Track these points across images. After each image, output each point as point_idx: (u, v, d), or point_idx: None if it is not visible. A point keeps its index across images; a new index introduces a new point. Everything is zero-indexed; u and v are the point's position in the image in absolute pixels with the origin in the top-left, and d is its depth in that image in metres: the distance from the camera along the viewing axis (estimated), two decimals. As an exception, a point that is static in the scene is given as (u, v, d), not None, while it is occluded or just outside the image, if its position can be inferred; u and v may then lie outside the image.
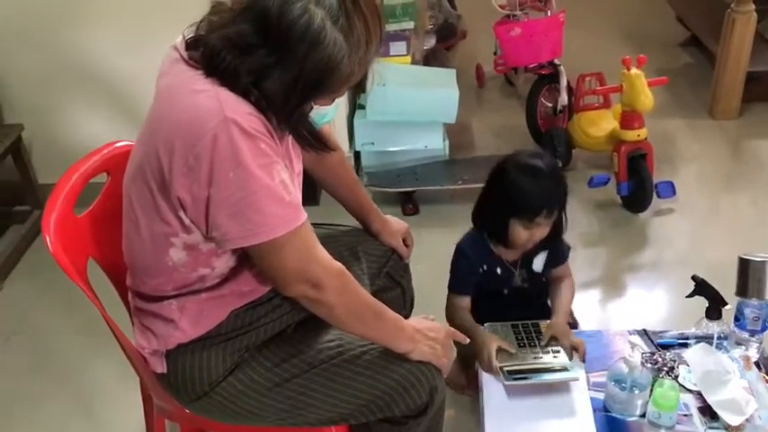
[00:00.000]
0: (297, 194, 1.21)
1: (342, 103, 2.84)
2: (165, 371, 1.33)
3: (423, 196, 2.83)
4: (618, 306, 2.31)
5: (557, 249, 1.75)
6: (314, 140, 1.26)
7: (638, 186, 2.59)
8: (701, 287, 1.56)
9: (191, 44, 1.19)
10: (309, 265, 1.22)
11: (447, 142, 2.93)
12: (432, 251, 2.44)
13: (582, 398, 1.52)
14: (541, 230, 1.62)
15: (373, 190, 2.82)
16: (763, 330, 1.56)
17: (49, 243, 1.27)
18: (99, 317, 1.30)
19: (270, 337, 1.36)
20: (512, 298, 1.77)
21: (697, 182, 2.85)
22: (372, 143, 2.87)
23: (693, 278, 1.58)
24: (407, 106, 2.78)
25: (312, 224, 1.60)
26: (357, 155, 2.93)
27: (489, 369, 1.55)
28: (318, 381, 1.33)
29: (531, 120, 3.05)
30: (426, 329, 1.39)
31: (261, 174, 1.13)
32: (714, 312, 1.55)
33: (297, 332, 1.39)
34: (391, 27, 2.90)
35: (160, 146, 1.15)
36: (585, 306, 2.22)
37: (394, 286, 1.70)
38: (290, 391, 1.32)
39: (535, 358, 1.57)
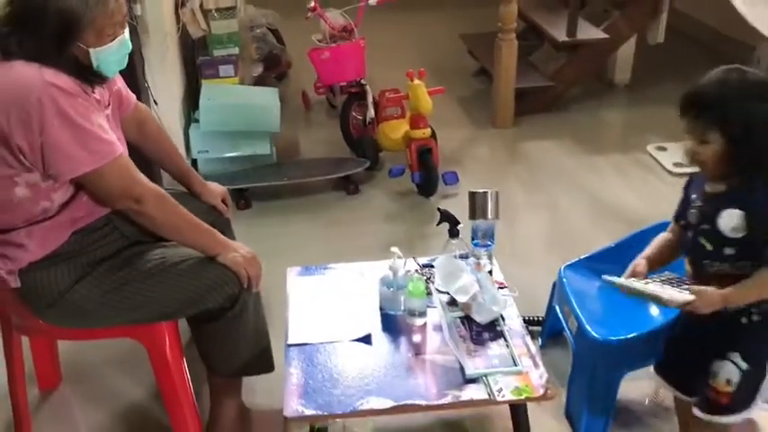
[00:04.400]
0: (114, 136, 1.63)
1: (176, 115, 3.26)
2: (20, 285, 1.67)
3: (255, 194, 3.27)
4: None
5: (755, 224, 1.45)
6: (92, 76, 1.65)
7: (426, 175, 3.18)
8: (444, 215, 2.11)
9: None
10: (131, 185, 1.64)
11: (274, 149, 3.41)
12: (263, 239, 2.89)
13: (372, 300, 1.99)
14: (699, 145, 1.48)
15: (209, 190, 3.24)
16: (491, 245, 2.12)
17: None
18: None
19: (106, 256, 1.75)
20: (686, 244, 1.61)
21: (479, 174, 3.50)
22: (207, 151, 3.30)
23: (438, 209, 2.13)
24: (235, 118, 3.25)
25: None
26: (194, 162, 3.34)
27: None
28: (147, 284, 1.72)
29: (345, 130, 3.61)
30: (236, 245, 1.83)
31: (81, 120, 1.56)
32: (453, 231, 2.10)
33: (129, 251, 1.78)
34: (219, 53, 3.38)
35: None
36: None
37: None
38: (125, 292, 1.71)
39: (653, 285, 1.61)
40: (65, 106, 1.54)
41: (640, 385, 2.13)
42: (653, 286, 1.60)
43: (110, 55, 1.67)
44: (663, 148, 3.63)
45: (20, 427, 2.00)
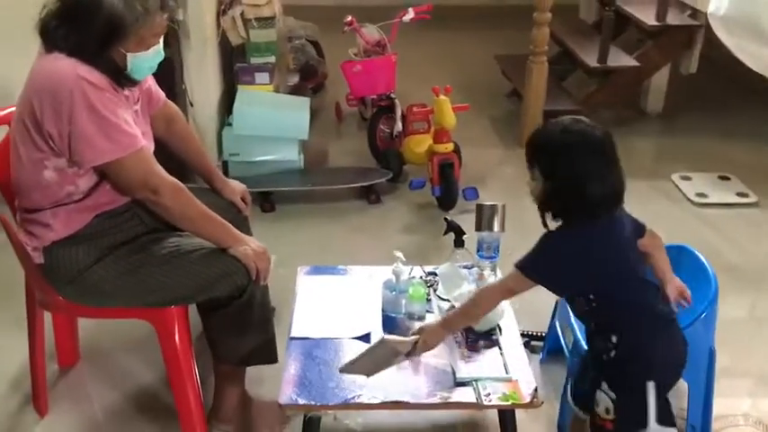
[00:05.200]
0: (137, 130, 1.75)
1: (211, 117, 3.40)
2: (43, 261, 1.80)
3: (279, 198, 3.38)
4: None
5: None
6: (124, 79, 1.77)
7: (446, 189, 3.25)
8: (450, 225, 2.18)
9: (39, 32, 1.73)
10: (149, 177, 1.75)
11: (302, 156, 3.52)
12: (283, 240, 3.01)
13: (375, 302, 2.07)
14: (531, 180, 1.65)
15: (236, 191, 3.36)
16: (495, 257, 2.18)
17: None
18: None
19: (125, 240, 1.86)
20: None
21: (500, 192, 3.54)
22: (238, 154, 3.42)
23: (444, 219, 2.20)
24: (266, 124, 3.37)
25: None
26: (225, 164, 3.47)
27: None
28: (161, 269, 1.83)
29: (372, 142, 3.71)
30: (249, 239, 1.93)
31: (107, 113, 1.68)
32: (458, 241, 2.17)
33: (146, 237, 1.89)
34: (256, 60, 3.51)
35: (33, 97, 1.69)
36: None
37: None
38: (140, 276, 1.82)
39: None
40: (93, 100, 1.66)
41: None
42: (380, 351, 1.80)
43: (144, 61, 1.79)
44: (687, 178, 3.64)
45: (37, 398, 2.13)
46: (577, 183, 1.56)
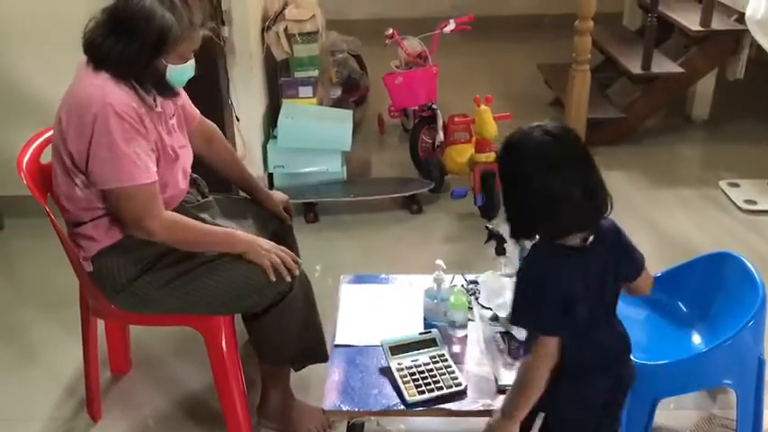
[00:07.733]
0: (151, 165, 1.79)
1: (257, 131, 3.48)
2: (92, 269, 1.87)
3: (323, 209, 3.43)
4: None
5: None
6: (166, 89, 1.85)
7: (488, 198, 3.26)
8: (491, 233, 2.19)
9: (85, 47, 1.80)
10: (144, 221, 1.79)
11: (345, 167, 3.57)
12: (327, 250, 3.05)
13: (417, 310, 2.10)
14: None
15: (281, 203, 3.42)
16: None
17: (23, 176, 1.84)
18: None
19: (168, 251, 1.89)
20: None
21: (544, 201, 3.54)
22: (283, 166, 3.49)
23: (486, 227, 2.21)
24: (310, 136, 3.43)
25: (212, 191, 2.20)
26: (270, 176, 3.54)
27: None
28: (200, 281, 1.87)
29: (414, 151, 3.74)
30: (259, 239, 1.95)
31: (122, 143, 1.74)
32: (500, 249, 2.18)
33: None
34: (300, 74, 3.58)
35: (63, 115, 1.78)
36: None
37: (278, 243, 2.27)
38: (182, 285, 1.87)
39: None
40: (113, 127, 1.73)
41: (682, 415, 2.13)
42: None
43: (181, 73, 1.87)
44: (735, 185, 3.57)
45: (91, 404, 2.20)
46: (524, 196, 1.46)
